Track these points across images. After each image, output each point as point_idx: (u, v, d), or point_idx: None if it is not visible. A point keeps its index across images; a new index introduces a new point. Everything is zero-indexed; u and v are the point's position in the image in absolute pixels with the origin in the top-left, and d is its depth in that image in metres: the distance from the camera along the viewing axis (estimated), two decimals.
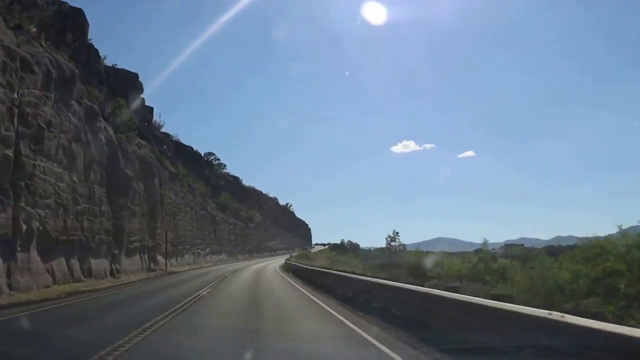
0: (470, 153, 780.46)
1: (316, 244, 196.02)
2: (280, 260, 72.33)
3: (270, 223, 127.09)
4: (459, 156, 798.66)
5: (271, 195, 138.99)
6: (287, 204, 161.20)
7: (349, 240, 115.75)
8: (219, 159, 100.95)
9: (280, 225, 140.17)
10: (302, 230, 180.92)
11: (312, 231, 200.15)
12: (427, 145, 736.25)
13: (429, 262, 28.20)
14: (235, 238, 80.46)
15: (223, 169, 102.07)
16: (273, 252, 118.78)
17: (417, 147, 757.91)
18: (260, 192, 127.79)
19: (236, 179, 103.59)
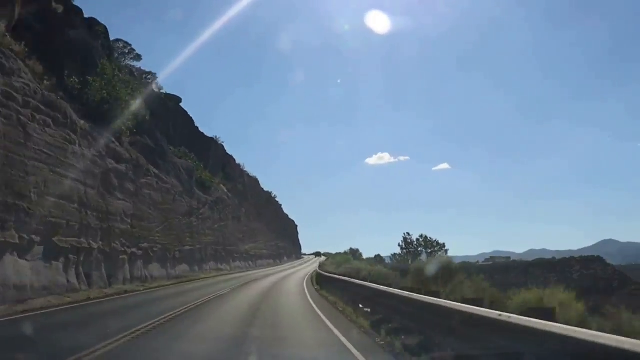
0: (445, 166, 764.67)
1: (305, 254, 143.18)
2: (281, 284, 30.21)
3: (248, 212, 73.00)
4: (434, 169, 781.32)
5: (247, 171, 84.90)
6: (271, 193, 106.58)
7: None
8: (140, 57, 46.82)
9: (263, 219, 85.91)
10: (290, 233, 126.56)
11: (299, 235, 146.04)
12: (402, 158, 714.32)
13: None
14: (158, 216, 26.60)
15: (155, 79, 48.06)
16: (251, 261, 64.62)
17: (392, 159, 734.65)
18: (232, 156, 73.76)
19: (175, 99, 49.11)
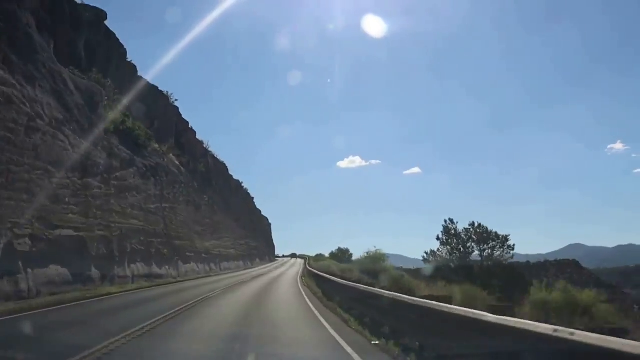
0: (416, 170, 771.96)
1: (278, 256, 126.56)
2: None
3: (212, 200, 56.19)
4: (405, 172, 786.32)
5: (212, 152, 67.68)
6: (241, 182, 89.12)
7: None
8: None
9: (231, 212, 68.90)
10: (263, 231, 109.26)
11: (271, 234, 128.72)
12: (374, 161, 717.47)
13: None
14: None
15: None
16: (213, 263, 47.67)
17: (364, 163, 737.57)
18: (190, 126, 56.43)
19: (94, 11, 31.74)
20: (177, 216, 35.91)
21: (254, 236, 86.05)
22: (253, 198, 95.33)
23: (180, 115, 52.84)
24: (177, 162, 41.85)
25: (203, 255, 43.61)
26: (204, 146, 63.34)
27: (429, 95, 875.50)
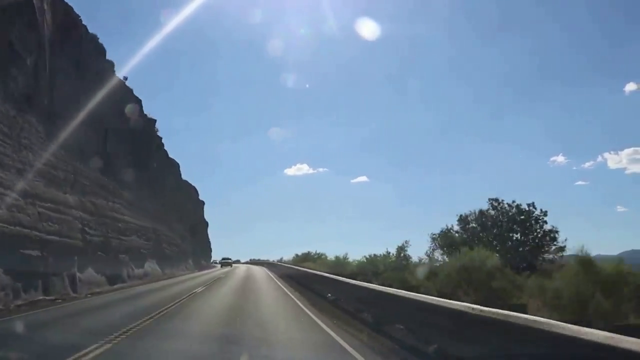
0: (363, 178, 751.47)
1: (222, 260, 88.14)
2: None
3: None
4: (352, 181, 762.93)
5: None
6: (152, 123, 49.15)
7: None
8: None
9: (94, 127, 30.31)
10: (188, 209, 69.06)
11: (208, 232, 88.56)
12: (321, 169, 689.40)
13: None
14: None
15: None
16: None
17: (311, 170, 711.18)
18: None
19: None
20: None
21: (162, 211, 47.25)
22: (163, 144, 55.03)
23: None
24: None
25: None
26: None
27: (378, 105, 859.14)
